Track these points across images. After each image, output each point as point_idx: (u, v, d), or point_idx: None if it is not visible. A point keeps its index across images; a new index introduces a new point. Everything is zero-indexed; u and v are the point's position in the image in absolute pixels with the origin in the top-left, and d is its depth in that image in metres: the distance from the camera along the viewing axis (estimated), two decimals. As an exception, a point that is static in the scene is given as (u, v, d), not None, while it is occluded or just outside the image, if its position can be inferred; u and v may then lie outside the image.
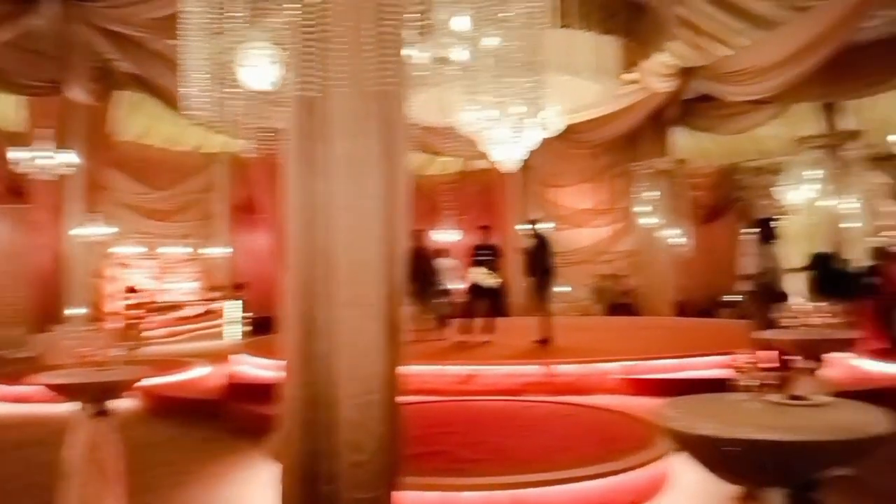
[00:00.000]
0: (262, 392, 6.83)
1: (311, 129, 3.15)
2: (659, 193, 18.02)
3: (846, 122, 16.55)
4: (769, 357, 7.97)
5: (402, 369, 3.33)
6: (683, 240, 18.06)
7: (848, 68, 13.76)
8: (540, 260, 10.18)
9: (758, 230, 8.10)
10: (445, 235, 19.47)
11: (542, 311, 10.34)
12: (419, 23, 3.21)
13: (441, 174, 21.68)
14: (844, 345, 5.88)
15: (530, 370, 8.84)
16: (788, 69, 12.57)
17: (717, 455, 2.59)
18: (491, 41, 4.73)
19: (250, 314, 17.89)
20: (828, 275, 11.52)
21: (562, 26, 9.64)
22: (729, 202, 19.72)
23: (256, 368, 10.06)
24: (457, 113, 9.58)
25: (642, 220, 18.40)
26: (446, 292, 12.42)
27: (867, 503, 4.83)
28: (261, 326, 15.50)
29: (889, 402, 7.62)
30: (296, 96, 3.28)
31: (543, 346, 10.05)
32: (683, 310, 18.54)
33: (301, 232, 3.16)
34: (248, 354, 10.72)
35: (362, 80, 3.04)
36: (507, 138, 10.20)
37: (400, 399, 3.32)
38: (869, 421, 2.58)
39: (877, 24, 12.34)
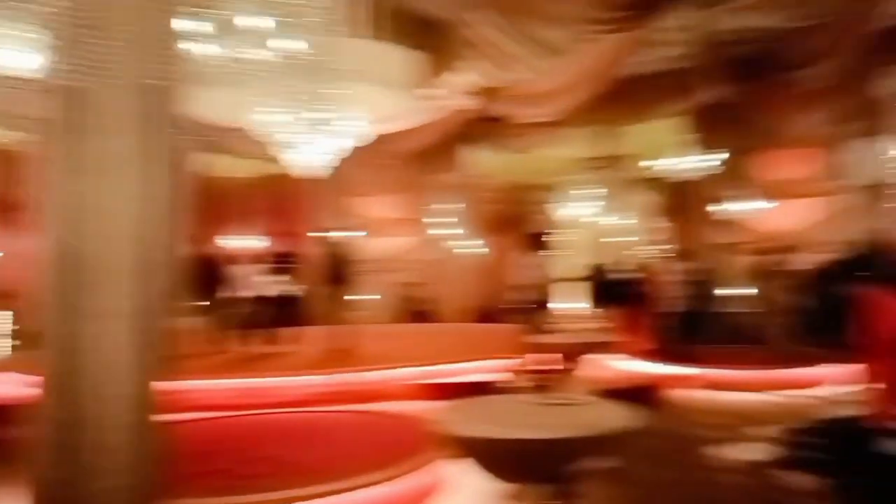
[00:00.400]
0: (20, 413, 6.08)
1: (68, 121, 2.85)
2: (457, 206, 18.73)
3: (622, 146, 18.37)
4: (543, 360, 8.54)
5: (165, 386, 3.11)
6: (478, 250, 18.91)
7: (624, 97, 15.33)
8: (338, 268, 10.10)
9: (532, 243, 8.67)
10: (241, 241, 18.69)
11: (340, 319, 10.27)
12: (199, 18, 3.03)
13: (239, 177, 20.77)
14: (608, 347, 6.44)
15: (323, 380, 8.73)
16: (572, 95, 13.70)
17: (489, 455, 2.71)
18: (284, 43, 4.63)
19: (21, 326, 15.83)
20: (603, 284, 12.65)
21: (362, 37, 9.69)
22: (518, 216, 21.00)
23: (22, 387, 8.91)
24: (253, 114, 9.27)
25: (442, 231, 19.00)
26: (237, 301, 11.89)
27: (630, 492, 5.33)
28: (34, 340, 13.72)
29: (647, 397, 8.50)
30: (57, 85, 2.96)
31: (339, 355, 9.98)
32: (477, 316, 19.40)
33: (53, 235, 2.84)
34: (15, 372, 9.47)
35: (125, 72, 2.81)
36: (306, 143, 10.04)
37: (161, 418, 3.09)
38: (618, 417, 2.83)
39: (648, 60, 13.85)
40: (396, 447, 5.64)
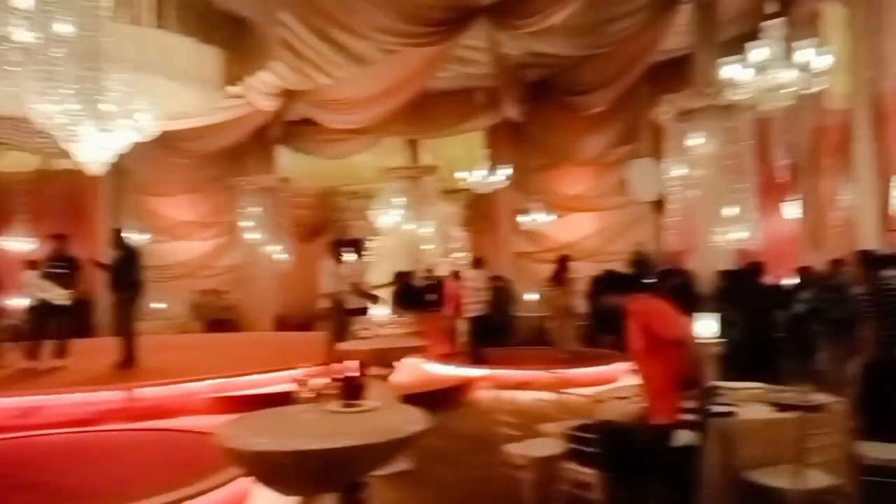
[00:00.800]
0: None
1: None
2: (263, 210, 18.10)
3: (426, 157, 18.86)
4: (344, 368, 8.45)
5: None
6: (285, 256, 18.42)
7: (426, 111, 15.76)
8: (126, 274, 9.23)
9: (337, 250, 8.61)
10: (16, 244, 16.63)
11: (126, 330, 9.41)
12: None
13: (15, 171, 18.43)
14: (411, 352, 6.51)
15: (108, 396, 7.95)
16: (378, 104, 13.82)
17: (269, 469, 2.56)
18: (56, 27, 4.11)
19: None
20: (406, 290, 12.84)
21: (158, 27, 9.00)
22: (327, 222, 20.79)
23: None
24: (32, 103, 8.23)
25: (246, 236, 18.25)
26: (5, 311, 10.53)
27: (424, 493, 5.38)
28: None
29: (449, 399, 8.69)
30: None
31: (125, 369, 9.15)
32: (283, 324, 18.88)
33: None
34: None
35: None
36: (91, 137, 9.08)
37: None
38: (408, 421, 2.82)
39: (449, 76, 14.31)
40: (190, 466, 5.26)
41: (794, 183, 14.38)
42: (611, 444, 3.94)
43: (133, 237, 17.73)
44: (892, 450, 4.54)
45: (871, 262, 5.87)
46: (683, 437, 3.51)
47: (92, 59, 6.23)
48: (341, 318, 8.30)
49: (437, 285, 14.05)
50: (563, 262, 11.22)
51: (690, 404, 3.52)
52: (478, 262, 11.97)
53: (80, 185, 17.10)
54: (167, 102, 10.32)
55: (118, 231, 9.73)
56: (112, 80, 8.90)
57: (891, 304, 5.62)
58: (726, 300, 10.13)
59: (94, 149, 9.61)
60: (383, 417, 2.85)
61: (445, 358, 11.94)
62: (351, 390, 3.28)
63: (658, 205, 16.38)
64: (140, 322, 9.82)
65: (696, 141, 11.55)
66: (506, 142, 17.99)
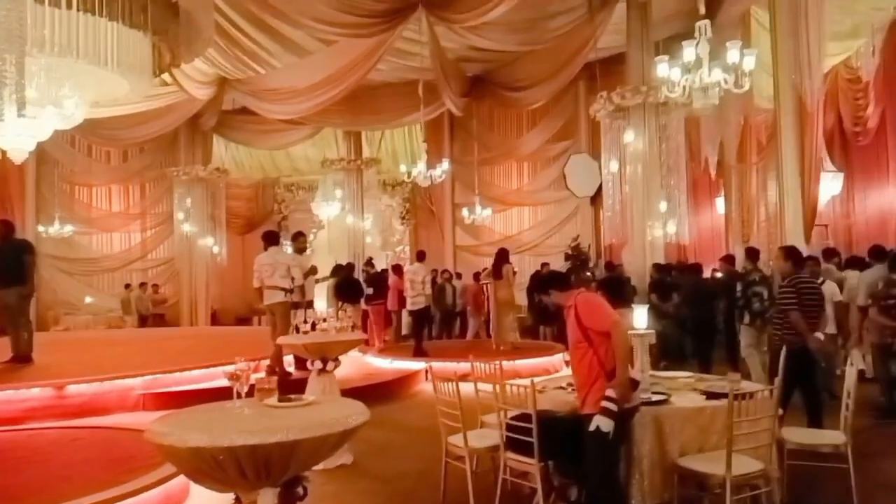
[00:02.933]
0: None
1: None
2: (197, 201, 17.63)
3: (367, 150, 18.73)
4: (278, 362, 8.29)
5: None
6: (220, 249, 18.01)
7: (367, 103, 15.64)
8: (14, 267, 8.61)
9: (275, 243, 8.47)
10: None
11: (18, 325, 8.88)
12: None
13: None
14: (352, 345, 6.45)
15: (32, 394, 7.61)
16: (317, 95, 13.60)
17: (205, 465, 2.49)
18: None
19: None
20: (348, 283, 12.72)
21: (84, 11, 8.60)
22: (265, 214, 20.42)
23: None
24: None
25: (180, 228, 17.76)
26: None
27: (365, 486, 5.35)
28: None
29: (390, 392, 8.66)
30: None
31: (21, 365, 8.69)
32: (219, 318, 18.47)
33: None
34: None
35: None
36: (12, 123, 8.63)
37: None
38: (348, 414, 2.78)
39: (390, 69, 14.22)
40: (125, 464, 5.08)
41: (722, 179, 14.91)
42: (546, 434, 4.01)
43: (58, 228, 17.04)
44: (813, 434, 4.77)
45: (794, 257, 6.14)
46: (599, 422, 3.62)
47: (12, 42, 5.91)
48: (280, 311, 8.16)
49: (378, 278, 13.99)
50: (501, 256, 11.32)
51: (612, 393, 3.62)
52: (420, 255, 11.97)
53: (3, 173, 16.31)
54: (94, 89, 9.91)
55: (6, 223, 9.06)
56: (35, 65, 8.49)
57: (807, 297, 5.90)
58: (659, 292, 10.44)
59: (16, 136, 9.15)
60: (323, 411, 2.81)
61: (387, 351, 11.91)
62: (289, 384, 3.21)
63: (595, 200, 16.76)
64: (66, 316, 9.42)
65: (631, 138, 11.80)
66: (447, 136, 18.04)
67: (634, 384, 3.82)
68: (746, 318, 8.06)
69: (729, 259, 10.40)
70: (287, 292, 8.15)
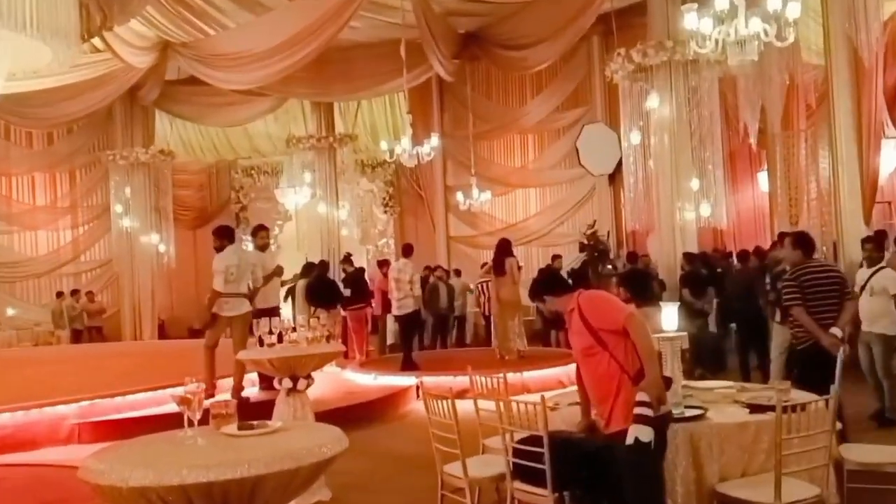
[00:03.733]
0: None
1: None
2: (138, 190, 17.56)
3: (341, 125, 18.69)
4: (239, 382, 8.26)
5: None
6: (168, 248, 17.95)
7: (339, 68, 15.57)
8: None
9: (233, 239, 8.48)
10: None
11: None
12: None
13: None
14: (328, 359, 6.44)
15: (-56, 426, 7.59)
16: (279, 60, 13.52)
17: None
18: None
19: None
20: (321, 285, 12.71)
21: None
22: (220, 205, 20.39)
23: None
24: None
25: (118, 223, 17.69)
26: None
27: None
28: None
29: (374, 414, 8.65)
30: None
31: None
32: (168, 331, 18.44)
33: None
34: None
35: None
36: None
37: None
38: (323, 442, 2.78)
39: (366, 27, 14.14)
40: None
41: (765, 150, 14.94)
42: (563, 459, 4.01)
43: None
44: (879, 452, 4.78)
45: (804, 245, 6.17)
46: (638, 432, 3.62)
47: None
48: (243, 324, 8.18)
49: (358, 278, 13.98)
50: (502, 248, 11.32)
51: (644, 397, 3.63)
52: (406, 250, 11.95)
53: None
54: (10, 58, 9.84)
55: None
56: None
57: (810, 290, 5.93)
58: (691, 287, 10.48)
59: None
60: (292, 439, 2.81)
61: (370, 365, 11.91)
62: (252, 408, 3.21)
63: (614, 178, 16.77)
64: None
65: (655, 103, 11.81)
66: (435, 106, 18.02)
67: (667, 382, 3.85)
68: (777, 316, 8.13)
69: (784, 242, 10.44)
70: (251, 300, 8.18)
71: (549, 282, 4.25)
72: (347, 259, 15.30)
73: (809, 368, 5.67)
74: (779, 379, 7.48)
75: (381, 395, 9.61)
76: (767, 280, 8.46)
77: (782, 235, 9.04)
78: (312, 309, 11.90)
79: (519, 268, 11.58)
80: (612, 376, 3.80)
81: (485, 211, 17.33)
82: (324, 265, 13.74)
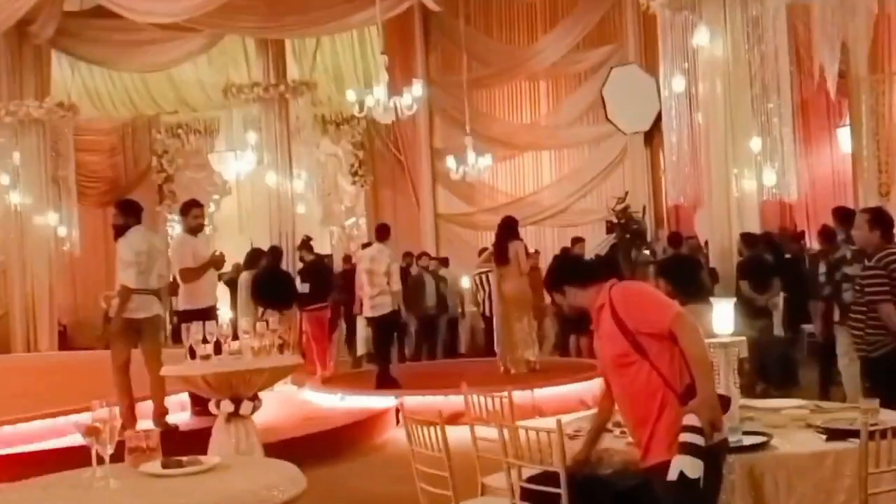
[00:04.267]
0: None
1: None
2: (30, 156, 17.48)
3: (296, 70, 18.58)
4: (159, 404, 8.25)
5: None
6: (70, 231, 17.87)
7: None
8: None
9: (152, 219, 8.46)
10: None
11: None
12: None
13: None
14: (281, 374, 6.43)
15: None
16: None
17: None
18: None
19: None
20: (271, 279, 12.69)
21: None
22: (138, 174, 20.35)
23: None
24: None
25: (4, 199, 17.60)
26: None
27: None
28: None
29: (341, 444, 8.66)
30: None
31: None
32: (71, 339, 18.38)
33: None
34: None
35: None
36: None
37: None
38: (273, 483, 2.78)
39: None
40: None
41: (848, 100, 14.95)
42: (586, 502, 4.02)
43: None
44: None
45: (884, 224, 6.18)
46: (683, 465, 3.63)
47: None
48: (154, 329, 8.17)
49: (318, 269, 13.97)
50: (506, 229, 11.32)
51: (693, 420, 3.62)
52: (381, 232, 11.93)
53: None
54: None
55: None
56: None
57: None
58: (751, 278, 10.49)
59: None
60: (234, 479, 2.81)
61: (335, 381, 11.93)
62: (180, 439, 3.21)
63: (651, 137, 16.74)
64: None
65: (705, 39, 11.81)
66: (419, 44, 17.93)
67: (725, 402, 3.85)
68: (836, 314, 8.19)
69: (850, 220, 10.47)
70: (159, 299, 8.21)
71: (571, 268, 4.23)
72: (305, 244, 15.27)
73: (890, 380, 5.71)
74: (858, 394, 7.53)
75: (351, 421, 9.62)
76: (822, 270, 8.50)
77: (841, 212, 9.08)
78: (260, 310, 11.88)
79: (528, 254, 11.59)
80: (652, 393, 3.79)
81: (484, 181, 17.30)
82: (275, 253, 13.70)
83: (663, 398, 3.77)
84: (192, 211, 9.12)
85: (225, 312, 12.40)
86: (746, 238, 11.22)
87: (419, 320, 14.90)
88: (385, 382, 10.96)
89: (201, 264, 8.83)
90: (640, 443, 3.90)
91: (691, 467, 3.61)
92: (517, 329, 11.52)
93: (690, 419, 3.64)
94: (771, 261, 10.94)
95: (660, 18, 12.58)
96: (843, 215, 8.73)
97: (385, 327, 11.53)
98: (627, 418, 4.01)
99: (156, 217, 19.75)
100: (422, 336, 15.11)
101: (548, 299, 14.07)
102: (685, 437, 3.64)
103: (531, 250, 12.67)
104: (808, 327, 11.13)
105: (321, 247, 16.46)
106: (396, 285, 11.39)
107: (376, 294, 11.17)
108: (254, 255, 13.32)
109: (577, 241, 14.32)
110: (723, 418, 3.77)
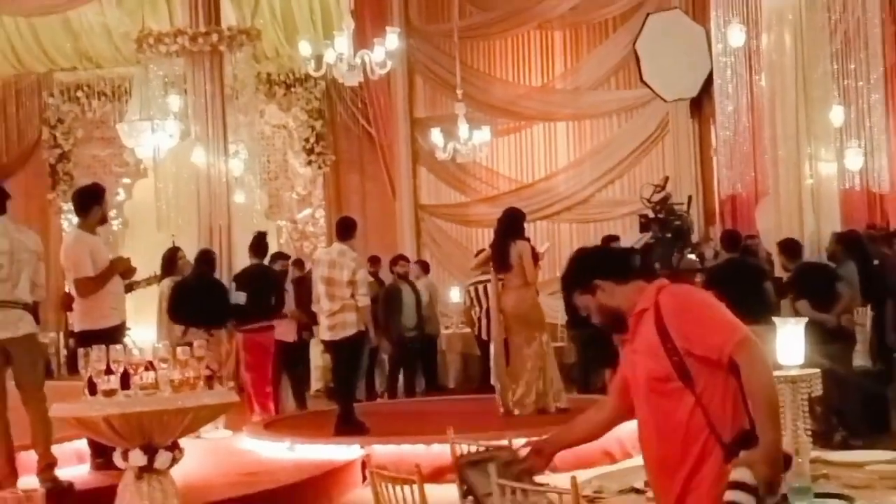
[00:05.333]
0: None
1: None
2: None
3: (230, 14, 18.54)
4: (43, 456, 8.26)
5: None
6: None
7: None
8: None
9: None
10: None
11: None
12: None
13: None
14: (212, 414, 6.43)
15: None
16: None
17: None
18: None
19: None
20: (198, 289, 12.71)
21: None
22: (24, 149, 20.39)
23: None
24: None
25: None
26: None
27: None
28: None
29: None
30: None
31: None
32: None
33: None
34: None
35: None
36: None
37: None
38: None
39: None
40: None
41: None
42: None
43: None
44: None
45: None
46: None
47: None
48: (31, 354, 8.18)
49: (261, 277, 13.95)
50: (508, 225, 11.34)
51: (743, 476, 3.60)
52: (344, 228, 11.92)
53: None
54: None
55: None
56: None
57: None
58: (811, 295, 10.48)
59: None
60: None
61: (281, 426, 11.95)
62: (76, 501, 3.22)
63: (699, 105, 16.75)
64: None
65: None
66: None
67: (787, 460, 3.81)
68: None
69: None
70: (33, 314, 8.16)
71: (607, 256, 4.07)
72: (259, 244, 15.06)
73: None
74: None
75: (303, 478, 9.59)
76: None
77: None
78: (181, 330, 11.88)
79: (536, 257, 11.56)
80: (693, 435, 3.74)
81: (479, 163, 17.31)
82: (206, 257, 13.69)
83: (706, 444, 3.72)
84: (92, 200, 9.05)
85: (139, 333, 12.36)
86: (787, 246, 11.18)
87: (394, 344, 14.84)
88: (348, 426, 10.94)
89: (101, 271, 8.80)
90: (666, 497, 3.89)
91: None
92: (526, 356, 11.51)
93: (741, 475, 3.61)
94: (831, 266, 10.92)
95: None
96: None
97: (348, 354, 11.52)
98: (651, 464, 3.95)
99: (46, 207, 19.79)
100: (397, 364, 15.07)
101: (561, 317, 14.15)
102: (732, 495, 3.61)
103: (542, 249, 12.57)
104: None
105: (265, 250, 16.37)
106: (364, 299, 11.37)
107: (337, 310, 11.15)
108: (171, 258, 13.28)
109: (611, 239, 14.31)
110: (782, 477, 3.76)
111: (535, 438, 9.79)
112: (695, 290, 3.94)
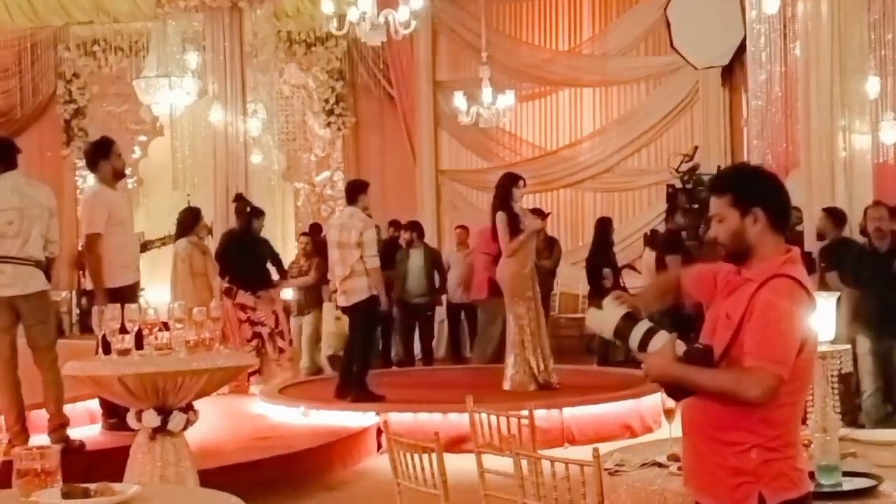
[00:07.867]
0: None
1: None
2: None
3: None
4: (54, 419, 8.29)
5: None
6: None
7: None
8: None
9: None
10: None
11: None
12: None
13: None
14: (225, 377, 6.43)
15: None
16: None
17: None
18: None
19: None
20: (248, 245, 12.80)
21: None
22: (38, 105, 20.36)
23: None
24: None
25: None
26: None
27: None
28: None
29: (304, 473, 8.69)
30: None
31: None
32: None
33: None
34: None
35: None
36: None
37: None
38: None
39: None
40: None
41: None
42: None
43: None
44: None
45: None
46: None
47: None
48: (43, 311, 8.18)
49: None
50: (495, 195, 11.30)
51: (658, 342, 3.58)
52: (355, 190, 11.90)
53: None
54: None
55: None
56: None
57: None
58: (869, 274, 10.44)
59: None
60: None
61: (295, 391, 11.98)
62: (86, 461, 3.22)
63: (730, 73, 16.67)
64: None
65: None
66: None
67: (707, 354, 3.76)
68: None
69: None
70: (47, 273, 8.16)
71: (781, 198, 3.85)
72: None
73: None
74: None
75: (317, 444, 9.64)
76: None
77: None
78: (229, 289, 11.97)
79: (516, 228, 11.37)
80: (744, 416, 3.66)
81: (503, 128, 17.26)
82: (250, 214, 13.73)
83: (783, 432, 3.64)
84: (98, 154, 9.03)
85: (154, 294, 12.39)
86: (833, 213, 11.16)
87: (406, 310, 14.77)
88: (362, 394, 10.95)
89: (94, 274, 8.80)
90: (694, 482, 3.86)
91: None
92: (540, 325, 11.50)
93: (658, 339, 3.62)
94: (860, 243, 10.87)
95: None
96: None
97: (363, 319, 11.51)
98: (693, 427, 3.81)
99: (60, 163, 19.83)
100: (410, 331, 15.03)
101: (583, 287, 14.07)
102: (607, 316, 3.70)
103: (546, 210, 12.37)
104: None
105: (281, 210, 16.42)
106: (372, 260, 11.30)
107: (348, 275, 11.14)
108: (189, 217, 13.31)
109: (653, 235, 14.20)
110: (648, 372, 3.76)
111: (554, 409, 9.90)
112: (794, 294, 3.68)
